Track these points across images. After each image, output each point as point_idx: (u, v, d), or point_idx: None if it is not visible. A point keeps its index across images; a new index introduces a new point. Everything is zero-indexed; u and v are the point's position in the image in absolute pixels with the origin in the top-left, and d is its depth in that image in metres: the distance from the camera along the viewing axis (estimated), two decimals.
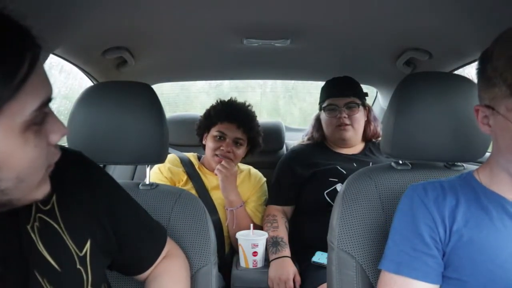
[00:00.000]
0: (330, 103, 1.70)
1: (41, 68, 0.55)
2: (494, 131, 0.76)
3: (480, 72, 0.77)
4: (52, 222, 0.69)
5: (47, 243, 0.67)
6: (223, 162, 1.68)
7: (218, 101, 1.80)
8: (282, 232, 1.61)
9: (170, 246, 0.91)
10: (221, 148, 1.70)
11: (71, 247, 0.69)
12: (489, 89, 0.74)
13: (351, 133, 1.68)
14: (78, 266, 0.69)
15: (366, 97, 1.76)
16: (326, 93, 1.74)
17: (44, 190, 0.61)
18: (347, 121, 1.67)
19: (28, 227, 0.66)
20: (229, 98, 1.81)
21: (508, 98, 0.70)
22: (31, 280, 0.65)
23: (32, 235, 0.66)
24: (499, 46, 0.72)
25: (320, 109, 1.76)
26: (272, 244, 1.57)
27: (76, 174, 0.74)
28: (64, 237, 0.69)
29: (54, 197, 0.70)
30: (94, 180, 0.76)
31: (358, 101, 1.69)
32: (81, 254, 0.70)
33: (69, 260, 0.69)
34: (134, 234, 0.82)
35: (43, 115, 0.56)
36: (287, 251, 1.56)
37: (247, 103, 1.79)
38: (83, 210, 0.72)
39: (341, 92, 1.69)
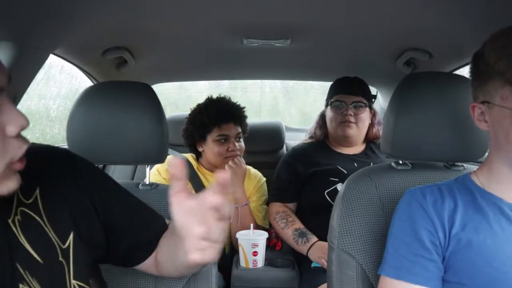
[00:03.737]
0: (337, 99, 1.70)
1: None
2: (492, 125, 0.78)
3: (473, 71, 0.81)
4: (35, 215, 0.68)
5: (29, 236, 0.67)
6: (235, 160, 1.70)
7: (201, 105, 1.77)
8: (301, 224, 1.63)
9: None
10: (229, 149, 1.70)
11: (53, 240, 0.69)
12: (483, 85, 0.78)
13: (354, 131, 1.68)
14: (60, 259, 0.69)
15: (374, 100, 1.76)
16: (334, 90, 1.74)
17: (8, 185, 0.59)
18: (352, 119, 1.66)
19: (9, 221, 0.66)
20: (206, 98, 1.79)
21: (502, 87, 0.73)
22: (12, 272, 0.64)
23: (14, 229, 0.66)
24: (489, 44, 0.76)
25: (327, 105, 1.76)
26: (299, 235, 1.58)
27: (61, 167, 0.74)
28: (47, 230, 0.69)
29: (37, 190, 0.69)
30: (79, 173, 0.76)
31: (365, 101, 1.69)
32: (64, 247, 0.70)
33: (52, 252, 0.69)
34: (127, 223, 0.80)
35: None
36: (316, 237, 1.57)
37: (222, 95, 1.78)
38: (67, 203, 0.72)
39: (350, 90, 1.69)
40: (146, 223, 0.85)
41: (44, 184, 0.70)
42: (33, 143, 0.74)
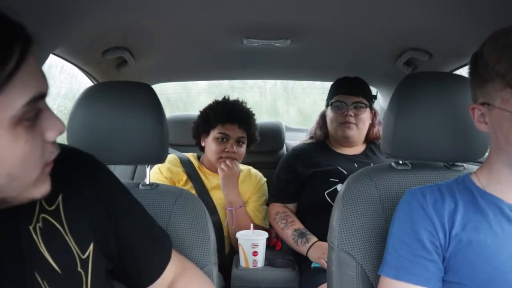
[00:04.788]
0: (338, 99, 1.69)
1: (32, 62, 0.54)
2: (492, 127, 0.77)
3: (472, 72, 0.80)
4: (56, 223, 0.67)
5: (49, 245, 0.66)
6: (227, 162, 1.69)
7: (214, 101, 1.80)
8: (301, 224, 1.63)
9: (182, 263, 0.87)
10: (226, 150, 1.70)
11: (73, 249, 0.68)
12: (483, 86, 0.76)
13: (354, 132, 1.67)
14: (79, 269, 0.68)
15: (374, 100, 1.76)
16: (335, 90, 1.73)
17: (42, 189, 0.60)
18: (353, 120, 1.66)
19: (30, 227, 0.65)
20: (223, 97, 1.81)
21: (502, 90, 0.72)
22: (30, 281, 0.64)
23: (34, 236, 0.65)
24: (488, 44, 0.75)
25: (327, 105, 1.75)
26: (299, 235, 1.58)
27: (84, 175, 0.73)
28: (67, 239, 0.68)
29: (60, 197, 0.68)
30: (101, 182, 0.75)
31: (366, 102, 1.69)
32: (84, 257, 0.69)
33: (71, 262, 0.68)
34: (135, 241, 0.79)
35: (36, 111, 0.55)
36: (315, 237, 1.57)
37: (240, 100, 1.80)
38: (87, 212, 0.71)
39: (350, 90, 1.69)
40: (155, 244, 0.83)
41: (67, 190, 0.70)
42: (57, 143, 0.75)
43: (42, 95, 0.56)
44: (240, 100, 1.81)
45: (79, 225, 0.69)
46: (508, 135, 0.73)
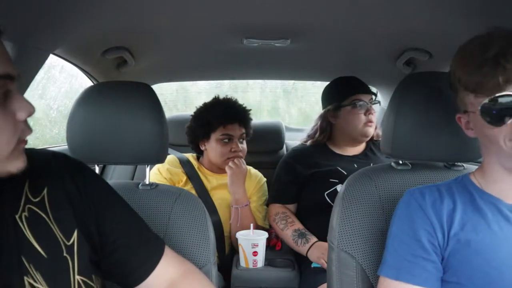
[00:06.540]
0: (359, 99, 1.63)
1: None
2: (476, 131, 0.81)
3: (450, 84, 0.85)
4: (41, 213, 0.72)
5: (35, 231, 0.70)
6: (235, 160, 1.70)
7: (208, 104, 1.77)
8: (300, 224, 1.63)
9: (183, 266, 0.87)
10: (232, 149, 1.71)
11: (58, 237, 0.72)
12: (457, 96, 0.82)
13: (373, 129, 1.66)
14: (65, 254, 0.72)
15: (375, 96, 1.75)
16: (349, 90, 1.66)
17: (17, 164, 0.65)
18: (373, 118, 1.64)
19: (17, 216, 0.70)
20: (213, 98, 1.79)
21: (467, 95, 0.78)
22: (18, 265, 0.68)
23: (20, 224, 0.70)
24: (454, 57, 0.82)
25: (340, 107, 1.66)
26: (299, 235, 1.58)
27: (69, 174, 0.78)
28: (52, 227, 0.72)
29: (45, 190, 0.74)
30: (84, 181, 0.78)
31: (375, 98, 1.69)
32: (69, 244, 0.73)
33: (56, 248, 0.72)
34: (119, 238, 0.80)
35: (4, 90, 0.61)
36: (315, 238, 1.57)
37: (233, 98, 1.79)
38: (71, 204, 0.75)
39: (364, 89, 1.66)
40: (141, 242, 0.83)
41: (52, 185, 0.75)
42: (44, 149, 0.81)
43: (8, 76, 0.62)
44: (234, 98, 1.79)
45: (63, 215, 0.74)
46: (490, 135, 0.76)
